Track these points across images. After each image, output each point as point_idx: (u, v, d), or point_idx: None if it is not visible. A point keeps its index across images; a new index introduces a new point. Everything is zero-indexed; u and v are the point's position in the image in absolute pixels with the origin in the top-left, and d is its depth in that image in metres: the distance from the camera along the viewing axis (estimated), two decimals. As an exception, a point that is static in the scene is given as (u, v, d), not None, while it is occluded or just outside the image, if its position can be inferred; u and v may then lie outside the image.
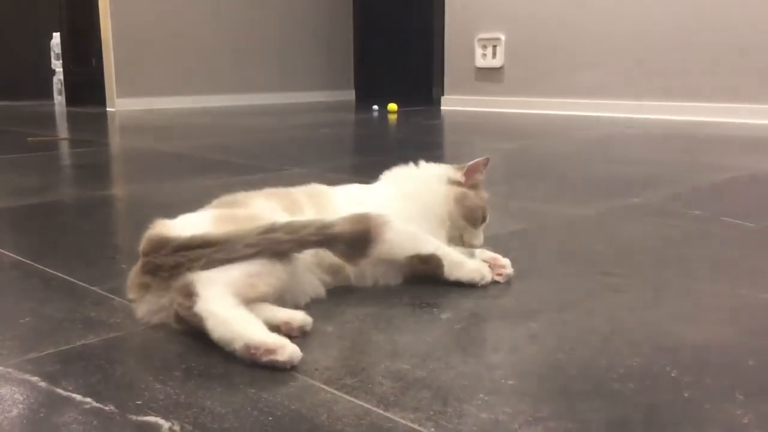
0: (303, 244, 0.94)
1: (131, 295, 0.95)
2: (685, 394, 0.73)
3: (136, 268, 0.95)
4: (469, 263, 1.08)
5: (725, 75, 3.99)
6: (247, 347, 0.80)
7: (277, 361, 0.79)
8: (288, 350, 0.80)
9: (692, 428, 0.67)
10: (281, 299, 0.93)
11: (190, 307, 0.84)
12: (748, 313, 0.98)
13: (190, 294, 0.85)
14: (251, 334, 0.81)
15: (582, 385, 0.76)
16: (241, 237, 0.91)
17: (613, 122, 3.95)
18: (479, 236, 1.17)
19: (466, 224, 1.15)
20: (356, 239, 0.94)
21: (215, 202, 1.09)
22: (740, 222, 1.51)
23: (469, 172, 1.19)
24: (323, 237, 0.94)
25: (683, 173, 2.18)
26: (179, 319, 0.88)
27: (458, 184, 1.18)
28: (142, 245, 0.94)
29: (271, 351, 0.79)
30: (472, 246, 1.16)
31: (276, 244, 0.91)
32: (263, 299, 0.89)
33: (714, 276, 1.15)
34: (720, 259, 1.25)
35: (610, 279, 1.13)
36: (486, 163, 1.20)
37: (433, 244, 1.07)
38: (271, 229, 0.92)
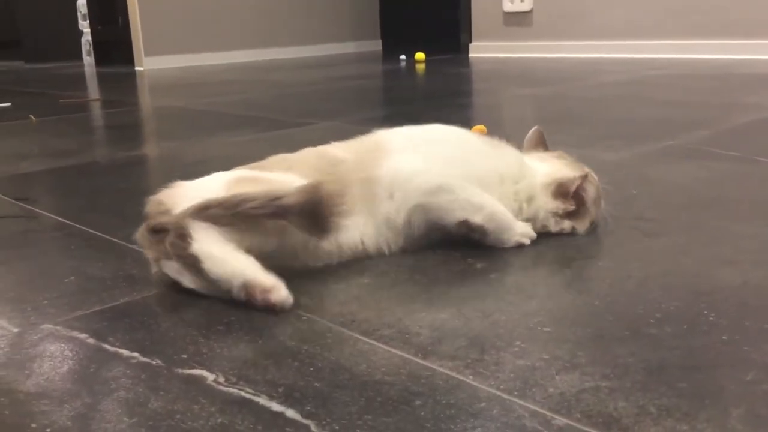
0: (249, 217, 0.87)
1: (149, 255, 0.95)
2: (724, 337, 0.73)
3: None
4: (513, 233, 1.03)
5: (761, 10, 3.85)
6: (245, 285, 0.83)
7: (269, 300, 0.82)
8: (282, 293, 0.83)
9: (730, 370, 0.67)
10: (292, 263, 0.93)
11: (186, 248, 0.85)
12: (788, 255, 0.97)
13: (184, 235, 0.86)
14: (250, 272, 0.84)
15: (619, 331, 0.76)
16: (173, 222, 0.88)
17: (646, 63, 3.87)
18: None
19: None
20: (310, 212, 0.88)
21: (262, 162, 1.05)
22: (779, 162, 1.48)
23: (577, 197, 1.06)
24: (273, 210, 0.87)
25: (719, 114, 2.13)
26: (165, 258, 0.88)
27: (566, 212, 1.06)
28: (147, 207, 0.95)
29: (266, 290, 0.83)
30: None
31: (214, 220, 0.87)
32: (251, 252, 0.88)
33: (752, 217, 1.13)
34: (758, 201, 1.23)
35: (645, 223, 1.12)
36: (587, 177, 1.06)
37: (482, 213, 1.00)
38: (205, 206, 0.87)
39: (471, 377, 0.67)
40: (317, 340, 0.77)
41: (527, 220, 1.06)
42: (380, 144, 1.05)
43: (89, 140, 2.24)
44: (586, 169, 1.09)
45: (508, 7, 4.91)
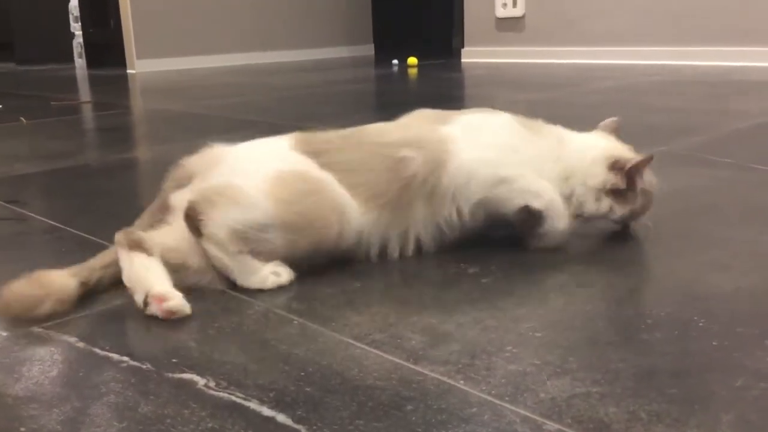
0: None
1: None
2: (714, 343, 0.73)
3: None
4: (565, 222, 1.01)
5: (754, 17, 3.88)
6: (146, 294, 0.84)
7: (165, 308, 0.83)
8: (176, 301, 0.83)
9: (721, 376, 0.67)
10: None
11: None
12: (778, 261, 0.97)
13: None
14: (150, 284, 0.85)
15: (610, 336, 0.76)
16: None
17: (639, 70, 3.88)
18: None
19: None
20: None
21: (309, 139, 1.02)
22: (770, 168, 1.48)
23: (630, 176, 1.03)
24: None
25: (712, 120, 2.14)
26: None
27: (613, 188, 1.03)
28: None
29: (162, 299, 0.83)
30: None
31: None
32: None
33: (745, 223, 1.14)
34: (751, 207, 1.24)
35: (638, 228, 1.12)
36: (650, 161, 1.04)
37: (542, 199, 0.99)
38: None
39: (462, 382, 0.67)
40: (308, 344, 0.76)
41: (563, 198, 1.03)
42: (445, 141, 1.01)
43: (81, 143, 2.23)
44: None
45: (500, 12, 4.92)
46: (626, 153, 1.07)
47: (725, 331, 0.76)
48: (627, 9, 4.36)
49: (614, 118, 1.18)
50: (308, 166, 0.96)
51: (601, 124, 1.18)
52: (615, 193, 1.03)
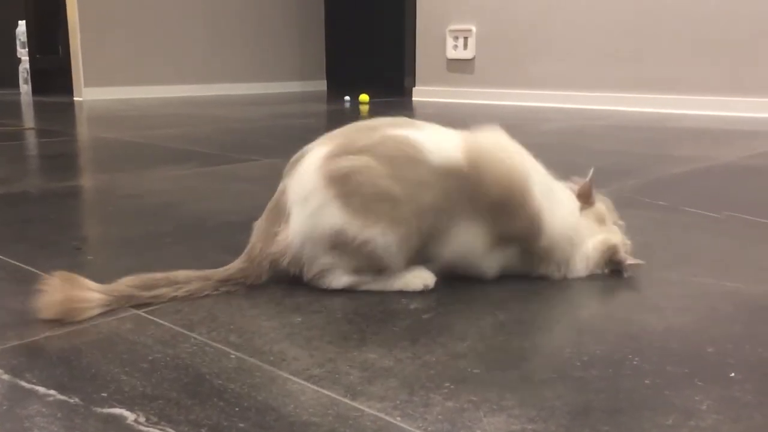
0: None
1: None
2: (646, 381, 0.75)
3: None
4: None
5: (694, 67, 4.04)
6: None
7: None
8: None
9: (652, 414, 0.68)
10: None
11: None
12: (710, 301, 1.00)
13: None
14: None
15: (546, 373, 0.77)
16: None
17: (583, 114, 3.99)
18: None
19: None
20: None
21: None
22: (704, 212, 1.53)
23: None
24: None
25: (650, 164, 2.21)
26: None
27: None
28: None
29: None
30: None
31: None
32: None
33: (677, 265, 1.17)
34: (683, 249, 1.27)
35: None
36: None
37: None
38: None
39: (399, 418, 0.67)
40: (245, 379, 0.75)
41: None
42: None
43: (22, 169, 2.17)
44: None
45: (451, 53, 5.02)
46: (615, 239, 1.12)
47: (657, 370, 0.77)
48: (573, 55, 4.50)
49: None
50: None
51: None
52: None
